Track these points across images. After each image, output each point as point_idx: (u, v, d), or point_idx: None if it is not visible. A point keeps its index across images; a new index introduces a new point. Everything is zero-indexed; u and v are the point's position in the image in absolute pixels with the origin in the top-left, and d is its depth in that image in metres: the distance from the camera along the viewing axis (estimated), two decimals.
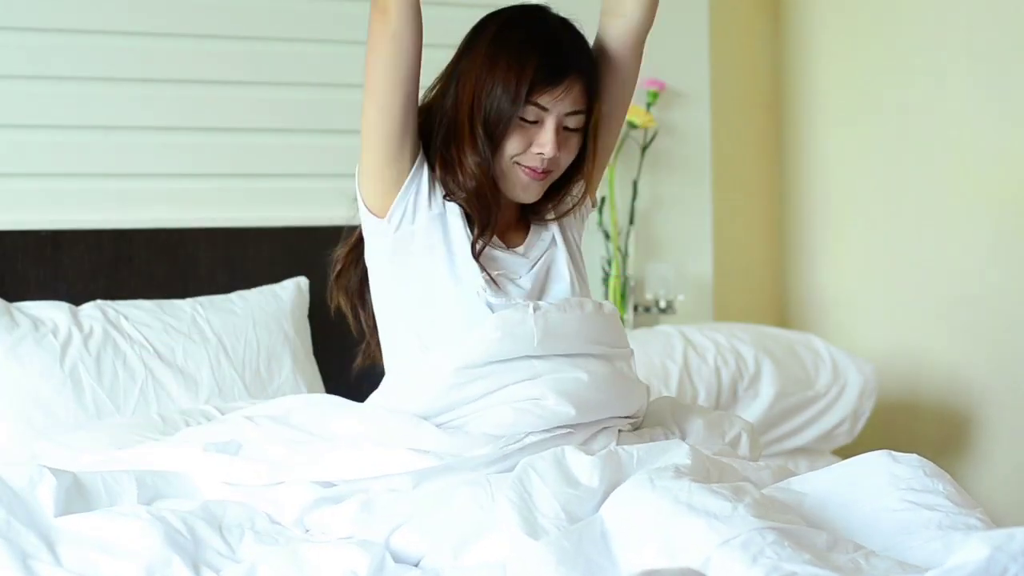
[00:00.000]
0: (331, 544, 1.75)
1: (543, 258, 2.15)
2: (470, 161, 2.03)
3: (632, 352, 2.15)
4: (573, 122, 2.08)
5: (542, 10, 2.13)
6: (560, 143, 2.06)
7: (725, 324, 3.44)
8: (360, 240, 2.21)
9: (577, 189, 2.17)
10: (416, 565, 1.76)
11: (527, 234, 2.17)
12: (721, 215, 3.82)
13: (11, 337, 2.70)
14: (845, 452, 3.40)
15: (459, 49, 2.13)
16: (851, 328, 3.80)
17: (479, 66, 2.05)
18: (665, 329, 3.32)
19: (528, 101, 2.02)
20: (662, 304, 3.56)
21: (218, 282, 3.07)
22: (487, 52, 2.06)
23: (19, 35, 2.99)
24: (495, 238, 2.10)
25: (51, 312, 2.78)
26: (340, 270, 2.25)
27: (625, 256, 3.55)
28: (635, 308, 3.57)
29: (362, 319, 2.22)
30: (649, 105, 3.56)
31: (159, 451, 2.10)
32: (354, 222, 2.22)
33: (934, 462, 1.88)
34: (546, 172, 2.08)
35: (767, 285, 4.00)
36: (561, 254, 2.16)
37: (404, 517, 1.79)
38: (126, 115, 3.08)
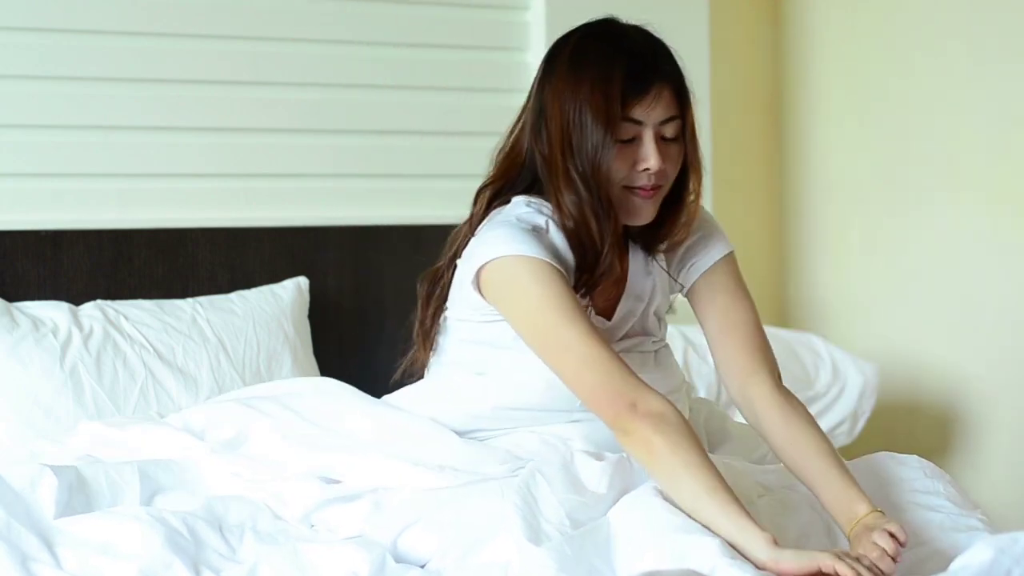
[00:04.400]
0: (332, 544, 1.75)
1: (633, 323, 2.03)
2: (567, 201, 1.91)
3: (686, 387, 2.04)
4: (670, 130, 1.94)
5: (612, 22, 1.99)
6: (663, 154, 1.92)
7: None
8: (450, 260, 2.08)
9: (689, 209, 2.01)
10: (423, 566, 1.76)
11: (622, 291, 2.03)
12: (721, 215, 3.82)
13: (11, 337, 2.69)
14: (845, 452, 3.39)
15: (536, 81, 2.00)
16: (851, 328, 3.80)
17: (561, 94, 1.91)
18: None
19: (622, 118, 1.89)
20: None
21: (218, 282, 3.07)
22: (567, 77, 1.92)
23: (19, 35, 2.98)
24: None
25: (51, 312, 2.78)
26: (435, 271, 2.10)
27: None
28: None
29: (427, 323, 2.09)
30: None
31: (159, 435, 2.09)
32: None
33: (934, 462, 1.89)
34: (656, 188, 1.94)
35: (767, 285, 4.00)
36: (653, 305, 2.05)
37: (415, 516, 1.79)
38: (126, 115, 3.08)
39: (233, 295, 2.99)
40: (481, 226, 1.99)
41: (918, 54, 3.59)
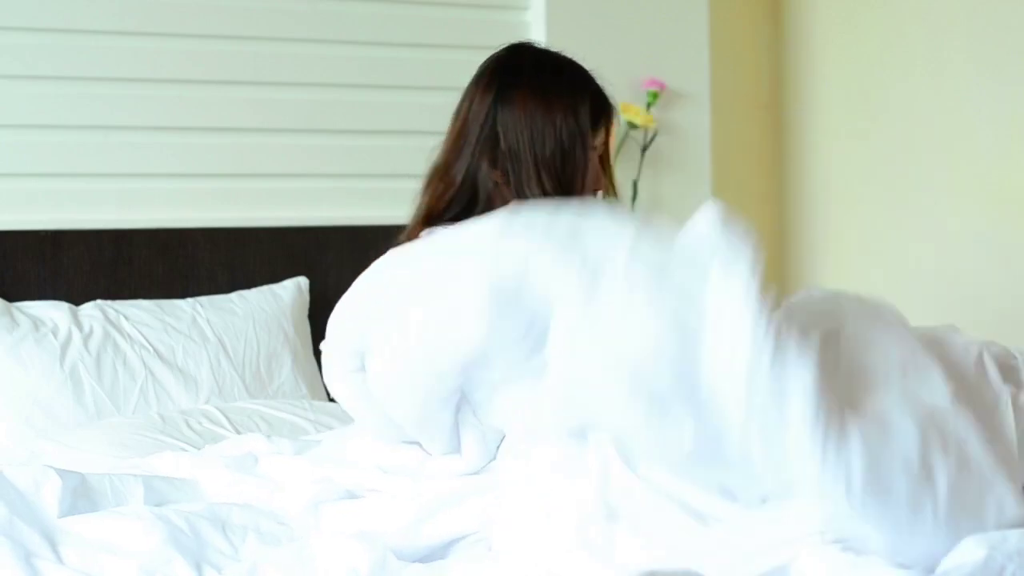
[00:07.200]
0: (333, 542, 1.74)
1: None
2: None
3: None
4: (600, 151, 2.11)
5: (548, 50, 2.12)
6: None
7: None
8: None
9: None
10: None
11: None
12: None
13: (11, 337, 2.70)
14: None
15: (488, 105, 2.06)
16: None
17: (529, 117, 2.01)
18: None
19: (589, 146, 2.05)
20: None
21: (218, 282, 3.07)
22: (535, 101, 2.02)
23: (19, 35, 2.99)
24: None
25: (51, 312, 2.79)
26: None
27: None
28: None
29: None
30: (649, 105, 3.56)
31: (173, 461, 2.10)
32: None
33: None
34: None
35: (767, 285, 4.00)
36: None
37: (435, 508, 1.78)
38: (126, 115, 3.08)
39: (233, 295, 3.00)
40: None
41: (918, 54, 3.59)
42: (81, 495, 1.85)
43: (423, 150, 3.36)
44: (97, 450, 2.41)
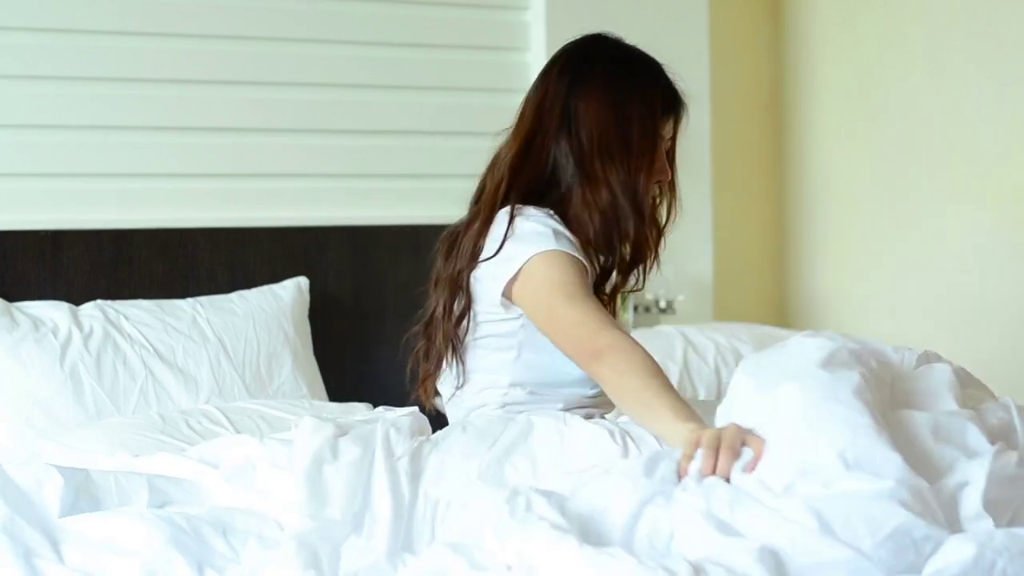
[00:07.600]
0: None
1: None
2: (603, 199, 2.05)
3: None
4: (668, 144, 2.16)
5: (622, 41, 2.18)
6: None
7: (725, 324, 3.44)
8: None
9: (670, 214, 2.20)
10: None
11: None
12: (721, 215, 3.82)
13: (11, 337, 2.69)
14: None
15: (562, 91, 2.09)
16: (851, 328, 3.80)
17: (603, 105, 2.07)
18: (665, 329, 3.32)
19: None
20: (662, 304, 3.56)
21: (218, 282, 3.07)
22: (607, 91, 2.08)
23: (19, 35, 2.99)
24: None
25: (51, 312, 2.78)
26: (454, 277, 2.11)
27: None
28: (635, 308, 3.57)
29: (452, 331, 2.11)
30: None
31: (176, 464, 2.08)
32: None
33: None
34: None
35: (767, 285, 4.00)
36: None
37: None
38: (126, 115, 3.08)
39: (233, 295, 2.99)
40: (508, 231, 2.04)
41: (918, 54, 3.59)
42: (84, 492, 1.85)
43: (423, 150, 3.39)
44: (97, 450, 2.41)
